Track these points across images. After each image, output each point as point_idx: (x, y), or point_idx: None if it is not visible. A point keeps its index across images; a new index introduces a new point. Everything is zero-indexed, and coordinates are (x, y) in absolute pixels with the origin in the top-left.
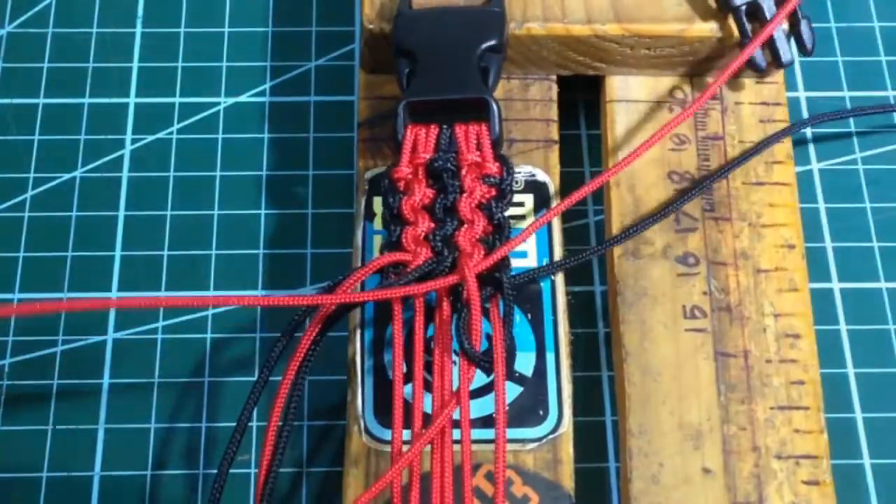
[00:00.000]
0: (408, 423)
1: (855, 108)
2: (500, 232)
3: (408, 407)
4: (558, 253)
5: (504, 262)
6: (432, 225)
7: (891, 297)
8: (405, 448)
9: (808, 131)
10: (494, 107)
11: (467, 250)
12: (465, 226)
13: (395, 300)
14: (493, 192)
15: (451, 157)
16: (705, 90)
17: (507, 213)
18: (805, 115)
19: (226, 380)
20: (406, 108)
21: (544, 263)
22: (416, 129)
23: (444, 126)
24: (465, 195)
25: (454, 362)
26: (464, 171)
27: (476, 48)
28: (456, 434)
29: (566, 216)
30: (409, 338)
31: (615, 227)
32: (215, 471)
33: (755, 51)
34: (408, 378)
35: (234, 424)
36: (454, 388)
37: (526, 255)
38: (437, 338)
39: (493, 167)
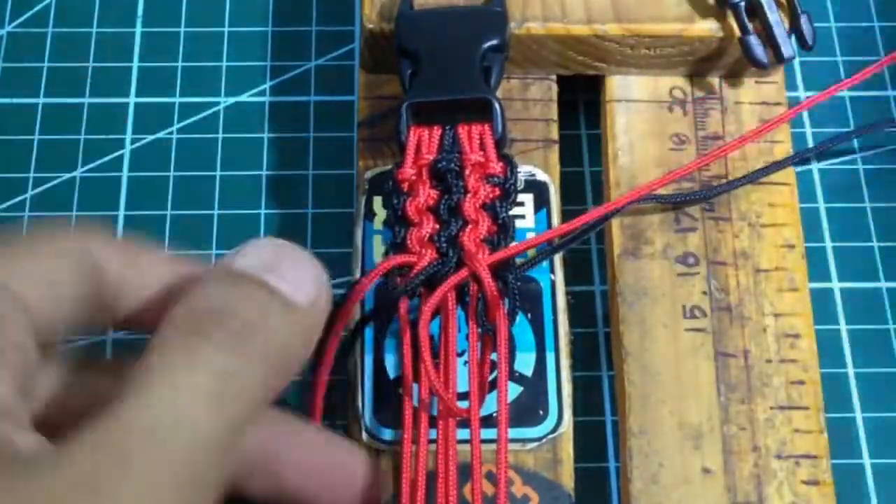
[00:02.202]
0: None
1: (857, 128)
2: (504, 232)
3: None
4: (558, 253)
5: (509, 262)
6: (437, 226)
7: (891, 297)
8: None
9: (808, 131)
10: (497, 106)
11: (472, 250)
12: (470, 226)
13: (402, 300)
14: (498, 192)
15: (455, 158)
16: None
17: (511, 213)
18: (804, 115)
19: None
20: (409, 109)
21: (544, 263)
22: (419, 130)
23: (448, 126)
24: (469, 195)
25: (465, 362)
26: (467, 172)
27: (478, 48)
28: (461, 434)
29: (566, 217)
30: (413, 339)
31: (615, 228)
32: None
33: (757, 47)
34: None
35: None
36: (460, 386)
37: (526, 255)
38: (442, 336)
39: (496, 167)
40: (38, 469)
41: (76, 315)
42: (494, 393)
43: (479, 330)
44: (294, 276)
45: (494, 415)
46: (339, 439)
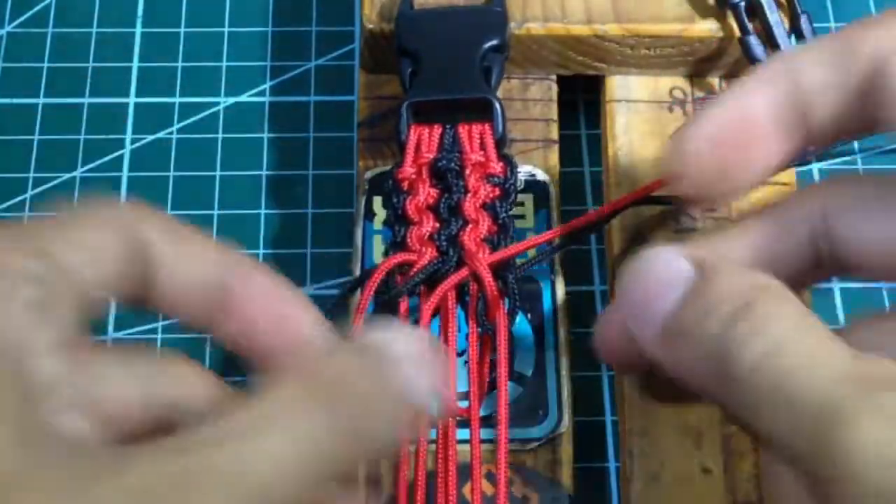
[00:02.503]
0: None
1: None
2: (504, 232)
3: None
4: (558, 253)
5: (509, 262)
6: (437, 225)
7: (891, 297)
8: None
9: None
10: (498, 106)
11: (472, 250)
12: (470, 225)
13: (402, 298)
14: (498, 192)
15: (455, 157)
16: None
17: (510, 213)
18: None
19: (225, 380)
20: (409, 109)
21: (544, 263)
22: (419, 129)
23: (448, 126)
24: (469, 195)
25: (465, 362)
26: (468, 171)
27: (478, 48)
28: (461, 434)
29: (566, 217)
30: None
31: (615, 228)
32: None
33: (757, 47)
34: None
35: None
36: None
37: (526, 255)
38: (442, 335)
39: (496, 167)
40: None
41: (117, 287)
42: (494, 393)
43: (479, 330)
44: (426, 384)
45: (494, 415)
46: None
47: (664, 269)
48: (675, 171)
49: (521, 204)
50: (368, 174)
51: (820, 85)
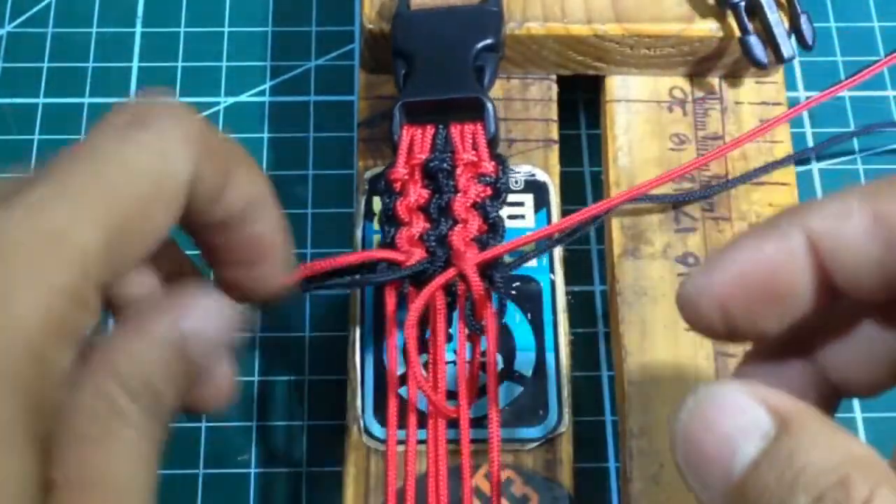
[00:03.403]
0: (403, 423)
1: (860, 129)
2: (494, 231)
3: (404, 405)
4: (558, 252)
5: (497, 261)
6: (427, 225)
7: None
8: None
9: (808, 131)
10: (489, 106)
11: (461, 249)
12: (460, 225)
13: (390, 292)
14: (488, 192)
15: (447, 158)
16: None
17: (501, 213)
18: (805, 114)
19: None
20: (402, 109)
21: (544, 263)
22: (412, 129)
23: (441, 126)
24: (459, 195)
25: (452, 362)
26: (459, 171)
27: (472, 47)
28: (453, 434)
29: (566, 216)
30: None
31: (615, 227)
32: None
33: (757, 47)
34: (404, 378)
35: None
36: (447, 384)
37: (522, 254)
38: (431, 334)
39: (488, 166)
40: None
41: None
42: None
43: (468, 329)
44: None
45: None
46: None
47: (737, 416)
48: (697, 315)
49: (521, 204)
50: (368, 174)
51: (853, 252)
